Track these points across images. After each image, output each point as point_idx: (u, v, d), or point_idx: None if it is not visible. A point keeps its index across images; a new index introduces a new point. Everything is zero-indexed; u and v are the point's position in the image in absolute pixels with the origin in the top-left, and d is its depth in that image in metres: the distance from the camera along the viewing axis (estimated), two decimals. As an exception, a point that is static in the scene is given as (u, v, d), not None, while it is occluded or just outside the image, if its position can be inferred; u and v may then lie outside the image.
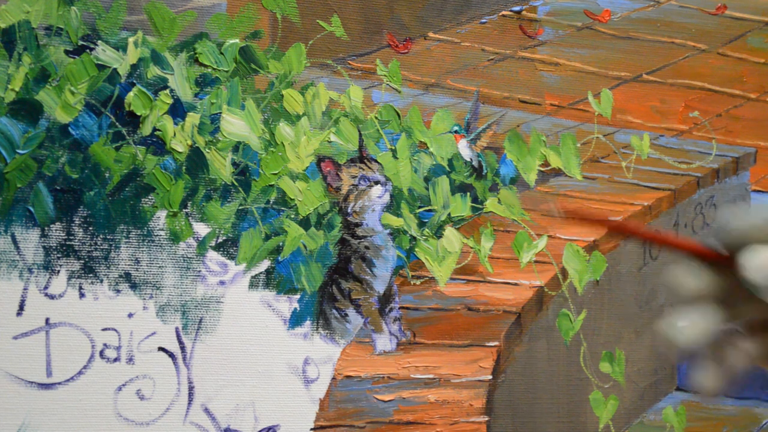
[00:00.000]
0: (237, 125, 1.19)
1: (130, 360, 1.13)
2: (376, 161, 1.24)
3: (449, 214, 1.28)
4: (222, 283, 1.17)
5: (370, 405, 1.22)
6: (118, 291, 1.14)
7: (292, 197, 1.21)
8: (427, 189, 1.28)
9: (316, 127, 1.23)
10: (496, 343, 1.28)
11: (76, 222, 1.12)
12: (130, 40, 1.16)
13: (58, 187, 1.12)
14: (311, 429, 1.19)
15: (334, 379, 1.21)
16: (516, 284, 1.31)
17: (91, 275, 1.13)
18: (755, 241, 0.55)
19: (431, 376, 1.24)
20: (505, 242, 1.31)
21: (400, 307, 1.25)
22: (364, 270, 1.23)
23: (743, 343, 0.58)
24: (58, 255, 1.12)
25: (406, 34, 1.31)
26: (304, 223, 1.21)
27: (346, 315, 1.22)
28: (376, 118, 1.27)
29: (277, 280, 1.19)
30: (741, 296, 0.56)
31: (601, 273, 1.34)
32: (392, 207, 1.25)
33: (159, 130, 1.16)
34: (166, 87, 1.17)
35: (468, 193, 1.30)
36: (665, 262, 1.39)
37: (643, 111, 1.43)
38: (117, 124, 1.14)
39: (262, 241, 1.19)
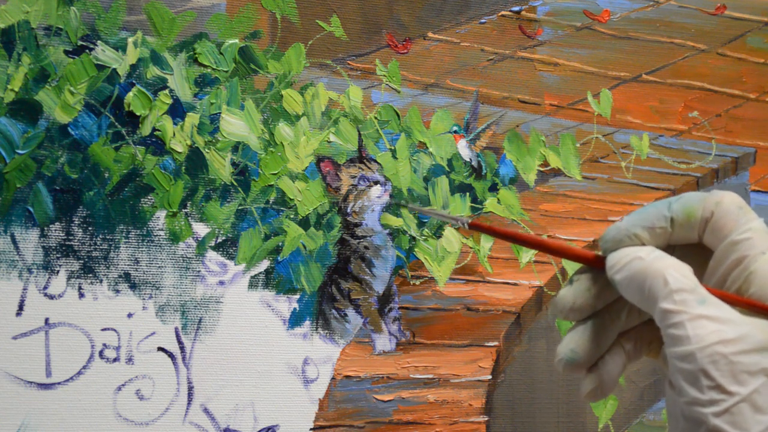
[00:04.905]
0: (236, 125, 1.19)
1: (130, 360, 1.13)
2: (375, 161, 1.24)
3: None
4: (221, 283, 1.17)
5: (370, 405, 1.22)
6: (118, 291, 1.14)
7: (292, 197, 1.21)
8: (427, 189, 1.28)
9: (315, 127, 1.23)
10: (495, 343, 1.28)
11: (76, 222, 1.12)
12: (130, 40, 1.16)
13: (57, 187, 1.12)
14: (310, 429, 1.19)
15: (333, 379, 1.21)
16: (515, 284, 1.31)
17: (90, 275, 1.13)
18: (623, 243, 0.56)
19: (430, 376, 1.24)
20: (504, 242, 1.31)
21: (399, 307, 1.25)
22: (363, 270, 1.23)
23: (624, 345, 0.59)
24: (58, 255, 1.12)
25: (406, 34, 1.31)
26: (304, 223, 1.21)
27: (346, 315, 1.22)
28: (375, 118, 1.27)
29: (277, 280, 1.19)
30: (619, 301, 0.57)
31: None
32: (392, 207, 1.25)
33: (158, 130, 1.16)
34: (165, 87, 1.17)
35: (467, 194, 1.30)
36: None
37: (643, 111, 1.43)
38: (116, 124, 1.14)
39: (262, 241, 1.19)
